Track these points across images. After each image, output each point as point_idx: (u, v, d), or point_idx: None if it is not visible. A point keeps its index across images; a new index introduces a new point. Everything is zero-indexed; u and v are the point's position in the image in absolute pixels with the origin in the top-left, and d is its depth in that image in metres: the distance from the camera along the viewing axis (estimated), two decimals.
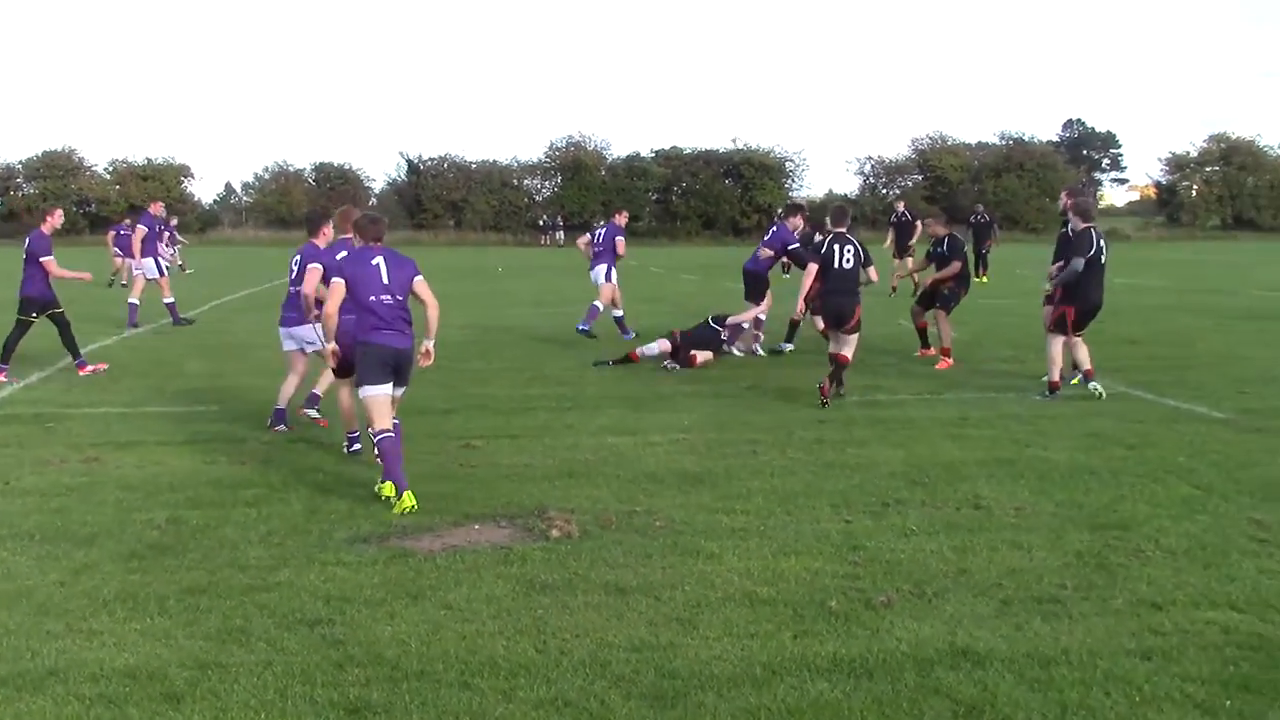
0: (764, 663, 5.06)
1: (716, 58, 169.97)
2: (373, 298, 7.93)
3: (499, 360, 15.12)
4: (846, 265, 11.95)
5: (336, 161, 73.78)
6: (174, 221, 32.14)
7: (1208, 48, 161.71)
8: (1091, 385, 11.83)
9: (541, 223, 68.85)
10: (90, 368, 13.74)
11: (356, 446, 9.42)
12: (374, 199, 74.52)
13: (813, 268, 12.13)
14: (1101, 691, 4.73)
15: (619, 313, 18.16)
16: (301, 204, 64.24)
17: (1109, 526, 7.13)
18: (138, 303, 19.85)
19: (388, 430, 7.87)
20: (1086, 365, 11.96)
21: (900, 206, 28.32)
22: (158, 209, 22.95)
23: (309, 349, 10.41)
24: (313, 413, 10.61)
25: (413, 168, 71.05)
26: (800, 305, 13.44)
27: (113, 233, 29.04)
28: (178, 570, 6.41)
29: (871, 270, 12.47)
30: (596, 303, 17.88)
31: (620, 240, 18.16)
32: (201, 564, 6.52)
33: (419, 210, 69.66)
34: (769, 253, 16.08)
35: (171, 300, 20.23)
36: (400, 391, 8.24)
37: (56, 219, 14.40)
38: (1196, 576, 6.18)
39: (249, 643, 5.34)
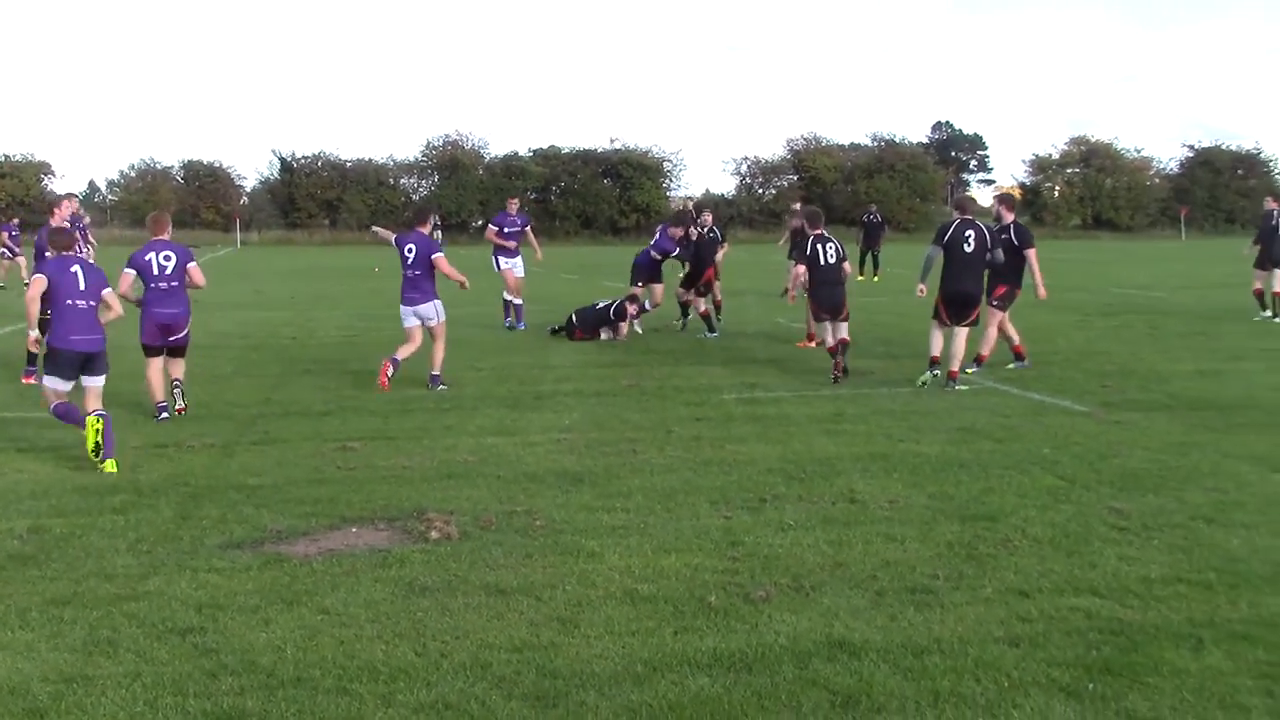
0: (645, 660, 5.09)
1: (594, 57, 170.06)
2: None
3: (376, 361, 14.86)
4: (831, 260, 13.22)
5: (206, 159, 71.83)
6: (15, 221, 31.01)
7: (1071, 52, 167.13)
8: (923, 377, 12.55)
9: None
10: None
11: (165, 415, 10.76)
12: (245, 197, 72.89)
13: (801, 269, 13.47)
14: (972, 679, 4.86)
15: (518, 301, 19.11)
16: (169, 202, 62.30)
17: (978, 517, 7.33)
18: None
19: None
20: (935, 354, 12.59)
21: (873, 208, 29.32)
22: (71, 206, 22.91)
23: (429, 324, 12.69)
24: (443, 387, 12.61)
25: (286, 166, 69.63)
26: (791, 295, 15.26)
27: (3, 233, 28.32)
28: (40, 581, 6.19)
29: (846, 265, 13.50)
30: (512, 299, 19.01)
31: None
32: (66, 574, 6.30)
33: (293, 209, 68.32)
34: (656, 256, 17.99)
35: None
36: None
37: None
38: (1061, 564, 6.39)
39: (117, 654, 5.18)
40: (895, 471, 8.60)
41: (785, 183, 73.29)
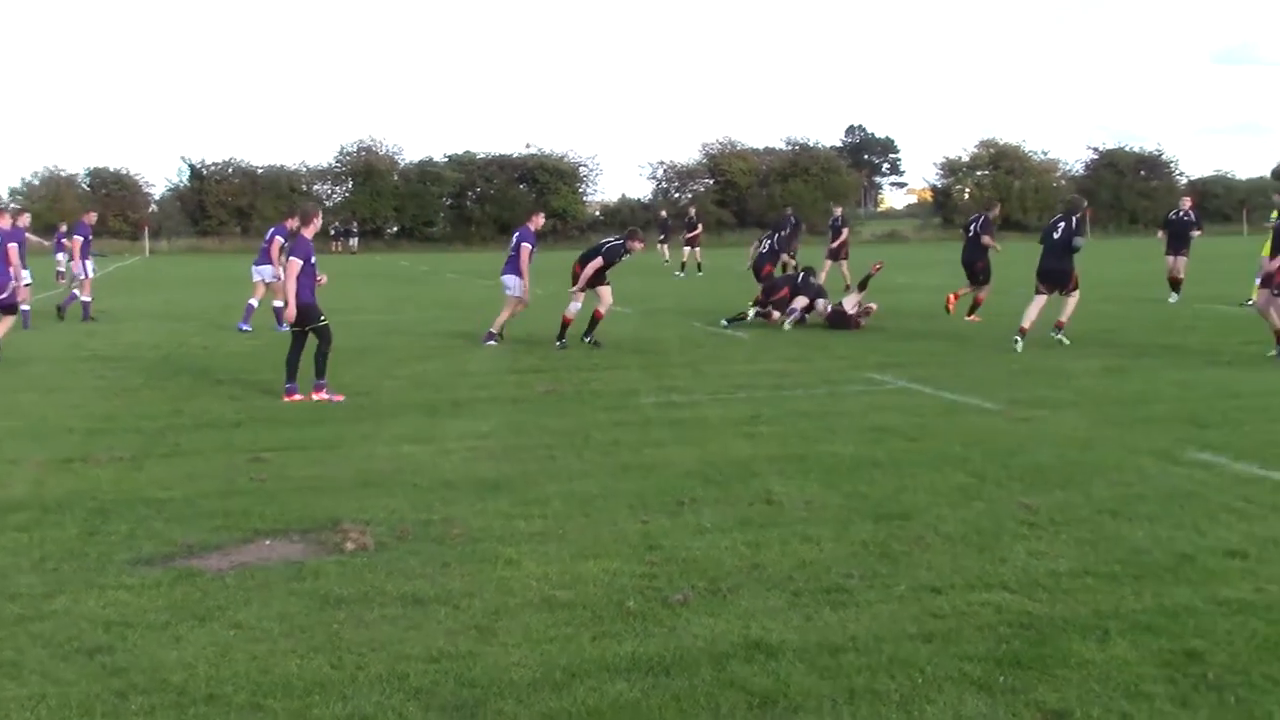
0: (563, 666, 5.08)
1: (509, 62, 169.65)
2: None
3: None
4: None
5: (112, 166, 70.47)
6: None
7: (979, 56, 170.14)
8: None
9: (333, 230, 67.31)
10: None
11: None
12: (154, 205, 71.54)
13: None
14: (886, 675, 4.93)
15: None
16: (75, 210, 60.75)
17: (892, 516, 7.43)
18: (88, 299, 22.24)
19: None
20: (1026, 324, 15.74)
21: (838, 211, 29.50)
22: (91, 218, 24.47)
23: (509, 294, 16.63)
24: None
25: (195, 172, 68.52)
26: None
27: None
28: None
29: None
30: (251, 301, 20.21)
31: None
32: None
33: (203, 217, 67.20)
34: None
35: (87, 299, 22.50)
36: None
37: None
38: (972, 560, 6.51)
39: (21, 676, 5.05)
40: (811, 472, 8.68)
41: (701, 186, 73.71)
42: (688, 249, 37.88)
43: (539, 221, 17.92)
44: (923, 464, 8.89)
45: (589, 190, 73.61)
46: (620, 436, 10.17)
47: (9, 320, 15.96)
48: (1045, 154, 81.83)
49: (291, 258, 12.33)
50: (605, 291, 16.91)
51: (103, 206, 66.19)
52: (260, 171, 68.68)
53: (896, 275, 31.64)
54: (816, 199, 72.82)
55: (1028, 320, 15.69)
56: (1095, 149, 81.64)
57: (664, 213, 50.60)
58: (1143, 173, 79.77)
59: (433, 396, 12.56)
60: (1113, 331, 17.96)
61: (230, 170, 68.51)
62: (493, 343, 17.13)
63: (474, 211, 69.42)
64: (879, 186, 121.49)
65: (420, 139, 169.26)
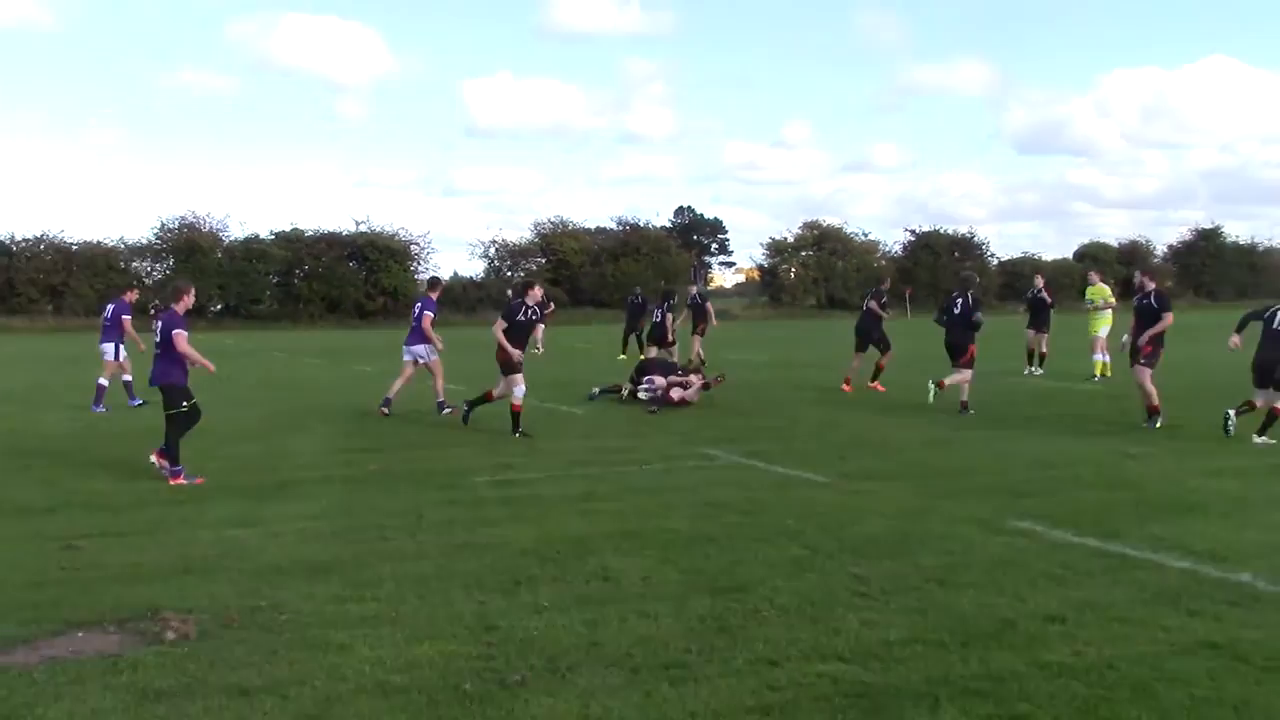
0: None
1: (337, 139, 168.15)
2: None
3: (107, 452, 14.09)
4: None
5: None
6: None
7: (795, 143, 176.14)
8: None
9: (152, 308, 65.07)
10: None
11: None
12: None
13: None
14: None
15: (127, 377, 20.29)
16: None
17: (728, 590, 7.48)
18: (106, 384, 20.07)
19: None
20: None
21: (693, 290, 30.40)
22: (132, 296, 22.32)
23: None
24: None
25: (3, 249, 65.41)
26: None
27: None
28: None
29: None
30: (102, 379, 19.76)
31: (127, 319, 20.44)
32: None
33: (11, 295, 64.10)
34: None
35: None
36: None
37: None
38: (807, 632, 6.59)
39: None
40: (648, 548, 8.69)
41: (534, 265, 73.98)
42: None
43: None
44: (757, 538, 9.00)
45: (420, 268, 73.02)
46: (454, 515, 10.02)
47: None
48: (866, 235, 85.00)
49: (176, 330, 12.02)
50: (515, 380, 15.45)
51: None
52: (75, 248, 66.04)
53: (728, 352, 32.24)
54: (648, 278, 73.93)
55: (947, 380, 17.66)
56: (912, 230, 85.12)
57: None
58: (956, 254, 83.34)
59: (258, 478, 12.17)
60: (933, 407, 18.55)
61: (42, 246, 65.67)
62: (449, 410, 17.46)
63: (302, 289, 68.05)
64: (709, 265, 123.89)
65: (245, 215, 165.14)
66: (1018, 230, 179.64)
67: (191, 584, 7.77)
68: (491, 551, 8.65)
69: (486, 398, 16.28)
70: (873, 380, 21.29)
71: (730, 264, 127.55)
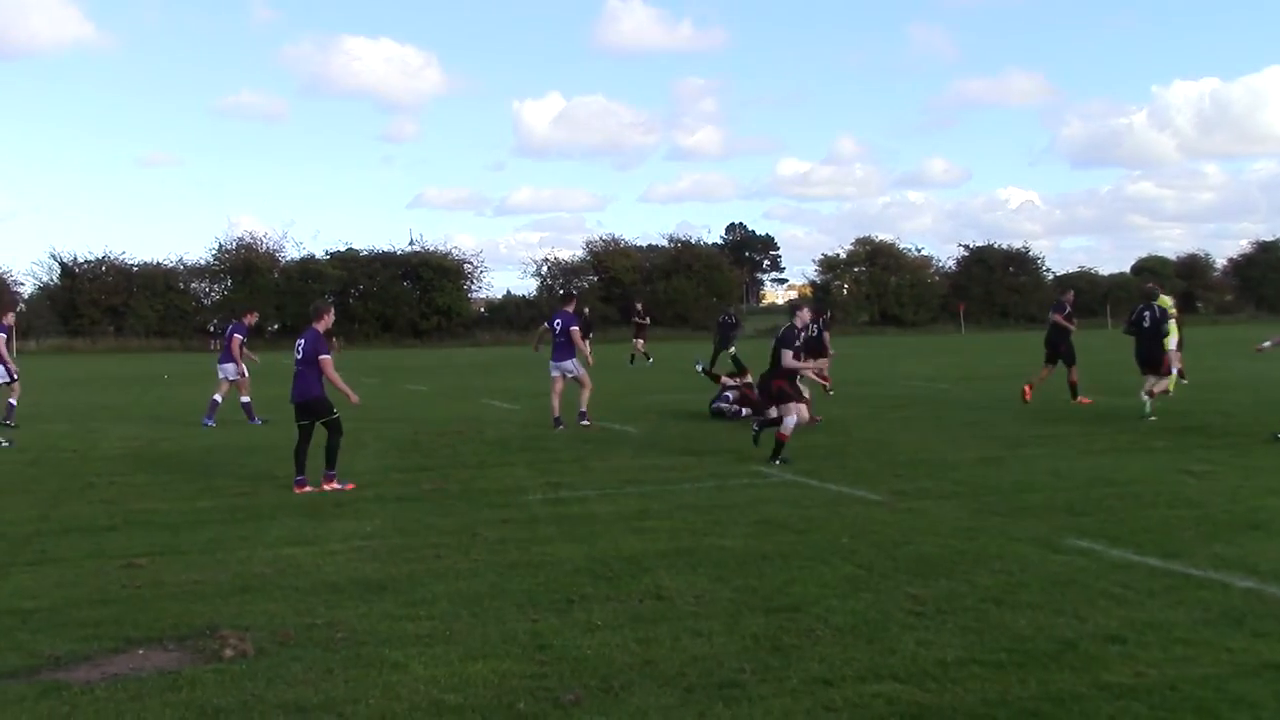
0: None
1: (391, 160, 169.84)
2: None
3: (166, 472, 14.30)
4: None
5: None
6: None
7: (846, 158, 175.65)
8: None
9: (211, 328, 66.02)
10: None
11: None
12: (22, 304, 69.35)
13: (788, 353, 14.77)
14: None
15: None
16: None
17: (782, 609, 7.44)
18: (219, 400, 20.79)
19: None
20: None
21: (730, 308, 30.84)
22: (252, 319, 22.82)
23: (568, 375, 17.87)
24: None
25: (66, 270, 66.72)
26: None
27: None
28: None
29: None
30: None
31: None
32: None
33: (74, 316, 65.33)
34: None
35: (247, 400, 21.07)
36: None
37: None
38: (862, 652, 6.53)
39: None
40: (700, 566, 8.67)
41: (586, 283, 74.27)
42: (639, 341, 39.99)
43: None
44: (811, 556, 8.94)
45: (474, 287, 73.58)
46: (508, 534, 10.05)
47: None
48: (919, 250, 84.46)
49: (324, 356, 12.83)
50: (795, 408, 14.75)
51: None
52: (135, 269, 67.21)
53: None
54: (700, 295, 73.93)
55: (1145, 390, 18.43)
56: (966, 246, 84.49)
57: (586, 308, 50.98)
58: (1011, 269, 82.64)
59: (315, 498, 12.29)
60: (987, 423, 18.40)
61: (104, 267, 66.93)
62: (586, 424, 18.53)
63: (357, 309, 68.76)
64: (761, 282, 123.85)
65: (301, 234, 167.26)
66: (1073, 244, 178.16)
67: (249, 602, 7.85)
68: (545, 570, 8.67)
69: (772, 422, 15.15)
70: (1075, 397, 21.32)
71: (783, 280, 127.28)
